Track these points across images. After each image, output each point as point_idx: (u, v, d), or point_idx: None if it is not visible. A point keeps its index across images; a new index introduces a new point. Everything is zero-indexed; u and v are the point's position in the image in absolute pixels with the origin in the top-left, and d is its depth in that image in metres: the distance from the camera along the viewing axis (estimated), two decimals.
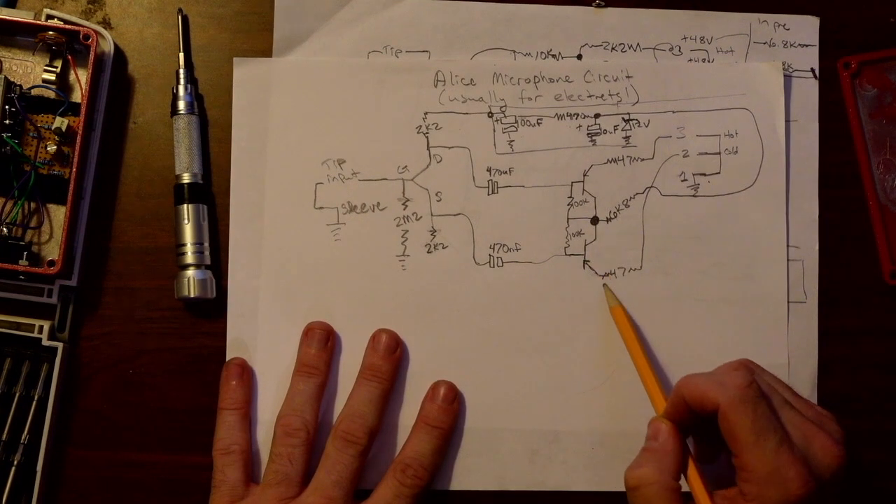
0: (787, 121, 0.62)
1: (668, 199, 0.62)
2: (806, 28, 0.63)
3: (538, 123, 0.62)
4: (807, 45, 0.63)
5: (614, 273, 0.62)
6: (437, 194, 0.62)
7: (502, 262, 0.62)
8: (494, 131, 0.62)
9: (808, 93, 0.63)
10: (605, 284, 0.61)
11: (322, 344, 0.59)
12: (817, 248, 0.62)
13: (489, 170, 0.62)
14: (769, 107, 0.62)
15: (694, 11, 0.63)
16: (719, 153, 0.62)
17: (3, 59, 0.60)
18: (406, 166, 0.62)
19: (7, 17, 0.59)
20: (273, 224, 0.61)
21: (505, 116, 0.62)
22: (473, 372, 0.61)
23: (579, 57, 0.62)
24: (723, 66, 0.62)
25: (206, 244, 0.60)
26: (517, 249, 0.62)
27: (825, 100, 0.63)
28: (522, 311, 0.61)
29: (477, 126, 0.62)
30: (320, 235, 0.61)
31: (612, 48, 0.63)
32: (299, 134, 0.61)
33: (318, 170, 0.61)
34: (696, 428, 0.55)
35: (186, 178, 0.60)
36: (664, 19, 0.63)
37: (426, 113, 0.62)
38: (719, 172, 0.62)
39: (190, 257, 0.59)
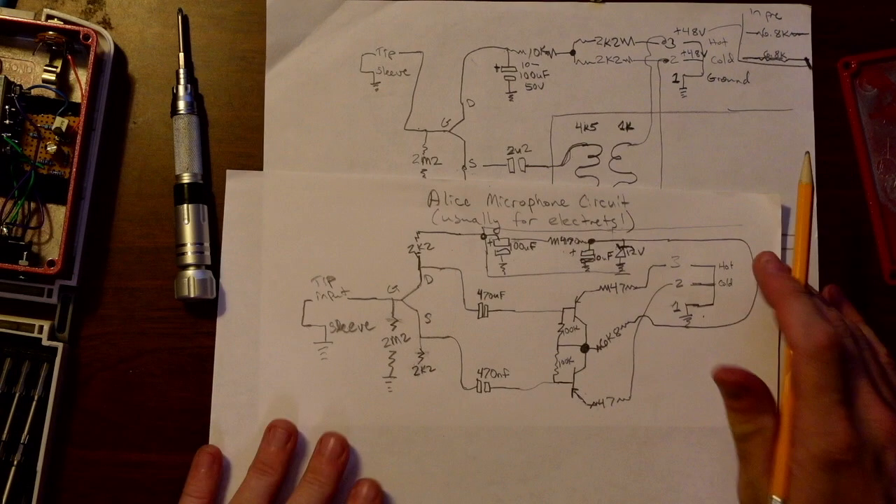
0: (784, 248, 0.61)
1: (660, 329, 0.61)
2: (798, 16, 0.63)
3: (531, 247, 0.61)
4: (799, 34, 0.63)
5: (602, 403, 0.61)
6: (426, 316, 0.61)
7: (489, 388, 0.61)
8: (487, 253, 0.61)
9: (803, 81, 0.63)
10: (807, 153, 0.59)
11: (282, 443, 0.59)
12: (817, 247, 0.62)
13: (480, 292, 0.61)
14: (766, 238, 0.61)
15: (686, 3, 0.63)
16: (713, 284, 0.61)
17: (3, 59, 0.60)
18: (396, 286, 0.61)
19: (7, 17, 0.59)
20: (262, 340, 0.60)
21: (498, 238, 0.61)
22: (457, 498, 0.60)
23: (573, 52, 0.62)
24: (720, 195, 0.62)
25: (206, 244, 0.60)
26: (505, 375, 0.61)
27: (825, 99, 0.63)
28: (508, 438, 0.60)
29: (469, 247, 0.61)
30: (307, 353, 0.60)
31: (606, 43, 0.62)
32: (290, 249, 0.61)
33: (308, 286, 0.61)
34: None
35: (186, 178, 0.60)
36: (656, 12, 0.63)
37: (419, 232, 0.61)
38: (713, 304, 0.61)
39: (190, 257, 0.59)
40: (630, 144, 0.62)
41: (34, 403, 0.58)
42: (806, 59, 0.63)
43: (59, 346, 0.59)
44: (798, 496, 0.51)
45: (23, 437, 0.58)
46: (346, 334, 0.61)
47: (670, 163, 0.62)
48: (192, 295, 0.59)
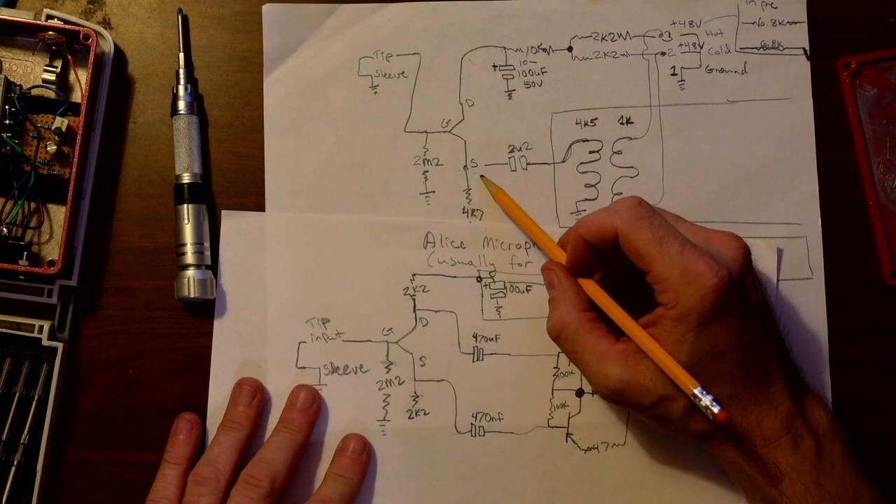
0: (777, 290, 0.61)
1: None
2: (793, 5, 0.63)
3: (527, 290, 0.61)
4: (795, 23, 0.63)
5: (597, 448, 0.60)
6: (421, 359, 0.61)
7: (484, 432, 0.60)
8: (482, 296, 0.61)
9: (800, 69, 0.62)
10: (482, 176, 0.61)
11: (248, 399, 0.59)
12: (819, 223, 0.62)
13: (475, 336, 0.61)
14: (763, 279, 0.60)
15: None
16: None
17: (3, 59, 0.60)
18: (391, 328, 0.61)
19: (7, 17, 0.59)
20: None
21: (494, 282, 0.61)
22: None
23: (570, 49, 0.62)
24: None
25: (207, 244, 0.60)
26: (499, 419, 0.60)
27: (825, 99, 0.62)
28: (502, 483, 0.60)
29: (465, 290, 0.61)
30: None
31: (602, 38, 0.62)
32: (285, 290, 0.61)
33: (302, 328, 0.60)
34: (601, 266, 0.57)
35: (186, 178, 0.60)
36: (652, 6, 0.62)
37: (414, 274, 0.61)
38: None
39: (190, 257, 0.59)
40: (630, 139, 0.62)
41: (34, 403, 0.59)
42: (803, 48, 0.63)
43: (59, 346, 0.59)
44: (706, 375, 0.51)
45: (23, 437, 0.58)
46: (341, 377, 0.60)
47: (671, 156, 0.62)
48: (192, 295, 0.59)
